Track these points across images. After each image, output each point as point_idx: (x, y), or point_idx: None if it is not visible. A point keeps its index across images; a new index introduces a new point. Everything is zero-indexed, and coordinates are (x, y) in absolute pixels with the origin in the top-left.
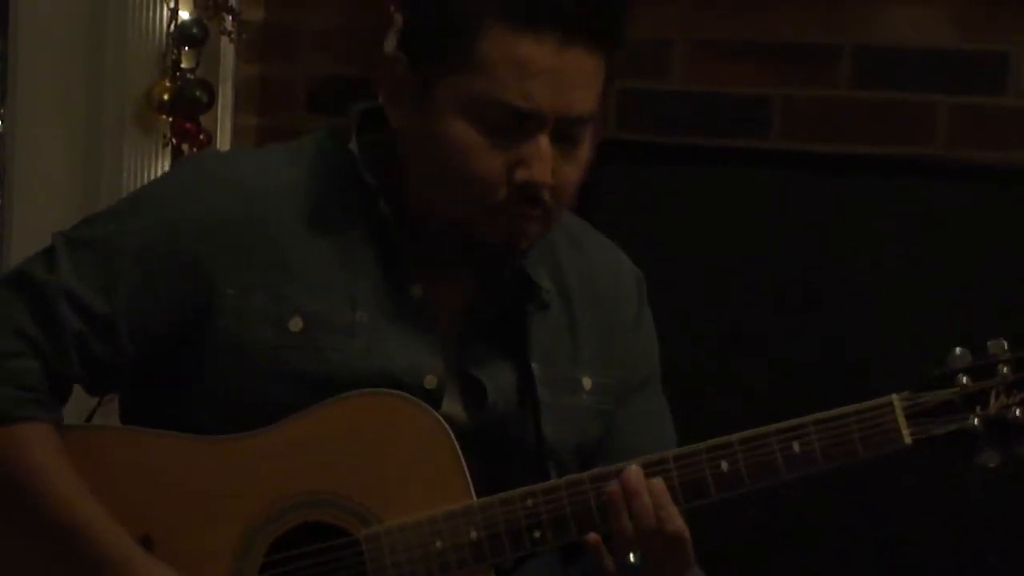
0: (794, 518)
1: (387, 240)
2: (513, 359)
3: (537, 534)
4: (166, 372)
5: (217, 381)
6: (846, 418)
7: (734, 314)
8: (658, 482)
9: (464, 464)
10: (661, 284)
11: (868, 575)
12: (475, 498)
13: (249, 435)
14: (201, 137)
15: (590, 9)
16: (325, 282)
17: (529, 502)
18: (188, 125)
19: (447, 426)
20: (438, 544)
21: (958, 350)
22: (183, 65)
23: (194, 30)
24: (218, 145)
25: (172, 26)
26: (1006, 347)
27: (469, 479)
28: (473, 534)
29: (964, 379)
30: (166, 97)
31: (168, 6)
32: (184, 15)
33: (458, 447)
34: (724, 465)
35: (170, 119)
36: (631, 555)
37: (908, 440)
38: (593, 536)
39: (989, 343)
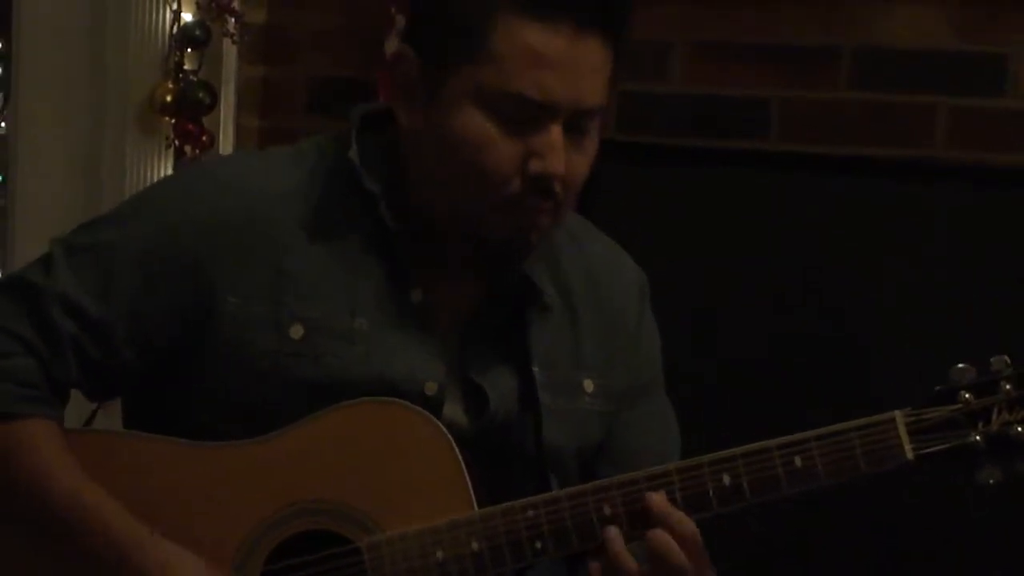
0: (795, 533)
1: (387, 246)
2: (514, 363)
3: (538, 545)
4: (167, 377)
5: (218, 387)
6: (848, 433)
7: (734, 315)
8: (660, 496)
9: (466, 473)
10: (661, 285)
11: None
12: (477, 508)
13: (251, 442)
14: (204, 138)
15: (602, 0)
16: (326, 289)
17: (531, 513)
18: (191, 126)
19: (449, 435)
20: (439, 554)
21: (960, 366)
22: (185, 67)
23: (196, 32)
24: (220, 146)
25: (175, 28)
26: (1008, 363)
27: (471, 488)
28: (474, 544)
29: (967, 395)
30: (169, 99)
31: (171, 8)
32: (186, 17)
33: (460, 456)
34: (726, 479)
35: (173, 120)
36: None
37: (910, 456)
38: (594, 566)
39: (992, 359)
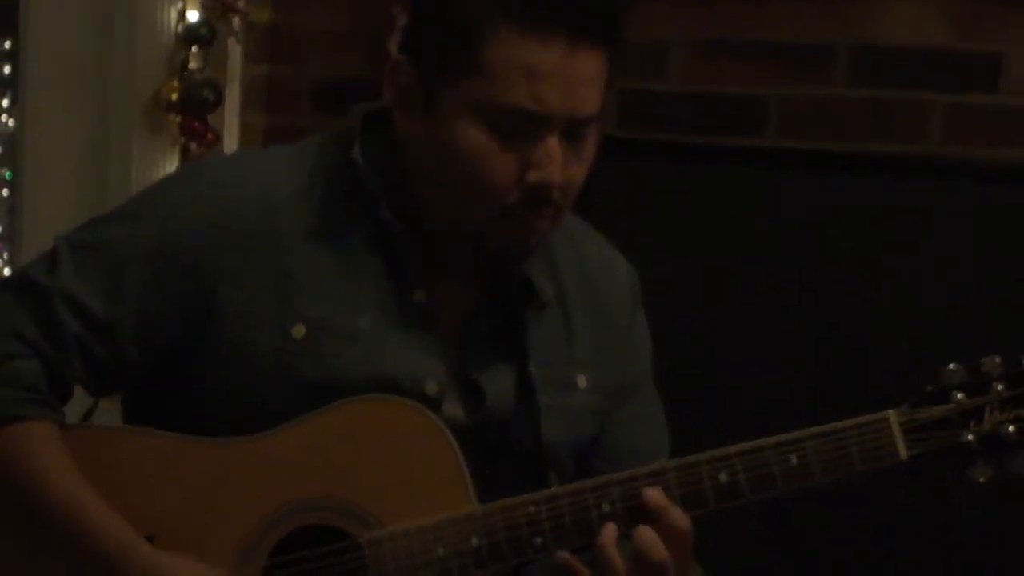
0: (789, 530)
1: (389, 247)
2: (512, 362)
3: (538, 541)
4: (170, 374)
5: (220, 385)
6: (843, 432)
7: (731, 312)
8: (657, 490)
9: (466, 470)
10: (659, 281)
11: None
12: (476, 504)
13: (253, 439)
14: (209, 136)
15: (595, 11)
16: (328, 289)
17: (531, 509)
18: (196, 124)
19: (449, 432)
20: (440, 550)
21: (952, 366)
22: (191, 65)
23: (202, 31)
24: (226, 144)
25: (180, 27)
26: (999, 363)
27: (471, 485)
28: (475, 541)
29: (959, 395)
30: (174, 97)
31: (176, 7)
32: (192, 16)
33: (460, 454)
34: (723, 476)
35: (178, 118)
36: None
37: (904, 455)
38: (562, 555)
39: (983, 360)
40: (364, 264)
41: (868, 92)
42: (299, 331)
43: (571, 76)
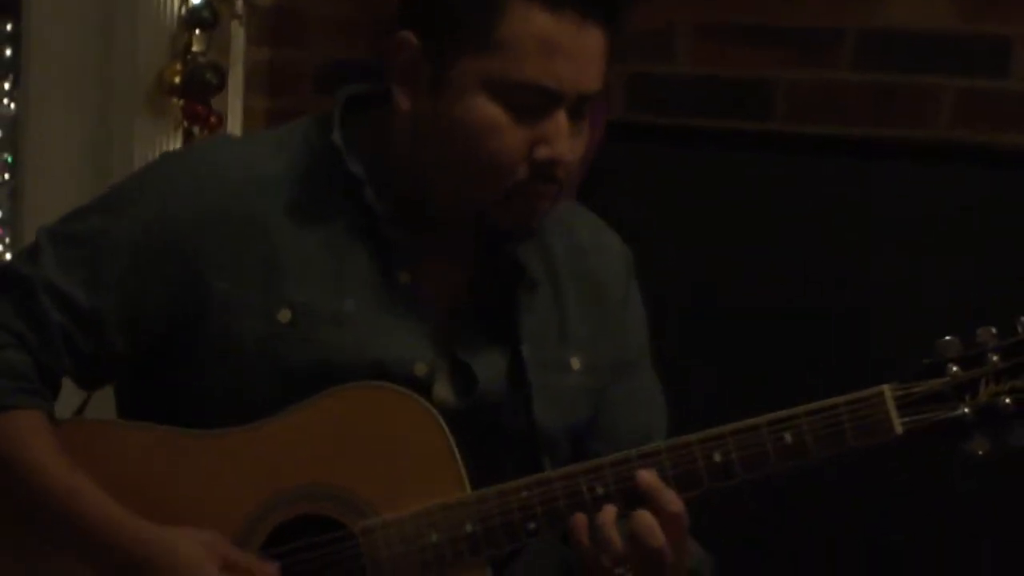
0: (784, 508)
1: (373, 229)
2: (503, 343)
3: (532, 526)
4: (158, 365)
5: (209, 373)
6: (837, 409)
7: (736, 295)
8: (650, 473)
9: (458, 455)
10: (664, 264)
11: (857, 565)
12: (470, 490)
13: (243, 429)
14: (212, 119)
15: None
16: (313, 273)
17: (524, 494)
18: (199, 108)
19: (440, 417)
20: (434, 537)
21: (947, 339)
22: (194, 48)
23: (205, 14)
24: (229, 127)
25: (183, 10)
26: (995, 334)
27: (464, 471)
28: (468, 527)
29: (954, 368)
30: (177, 80)
31: None
32: None
33: (452, 439)
34: (717, 456)
35: (181, 102)
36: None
37: (899, 430)
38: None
39: (978, 331)
40: (348, 247)
41: (875, 76)
42: (285, 316)
43: (582, 52)
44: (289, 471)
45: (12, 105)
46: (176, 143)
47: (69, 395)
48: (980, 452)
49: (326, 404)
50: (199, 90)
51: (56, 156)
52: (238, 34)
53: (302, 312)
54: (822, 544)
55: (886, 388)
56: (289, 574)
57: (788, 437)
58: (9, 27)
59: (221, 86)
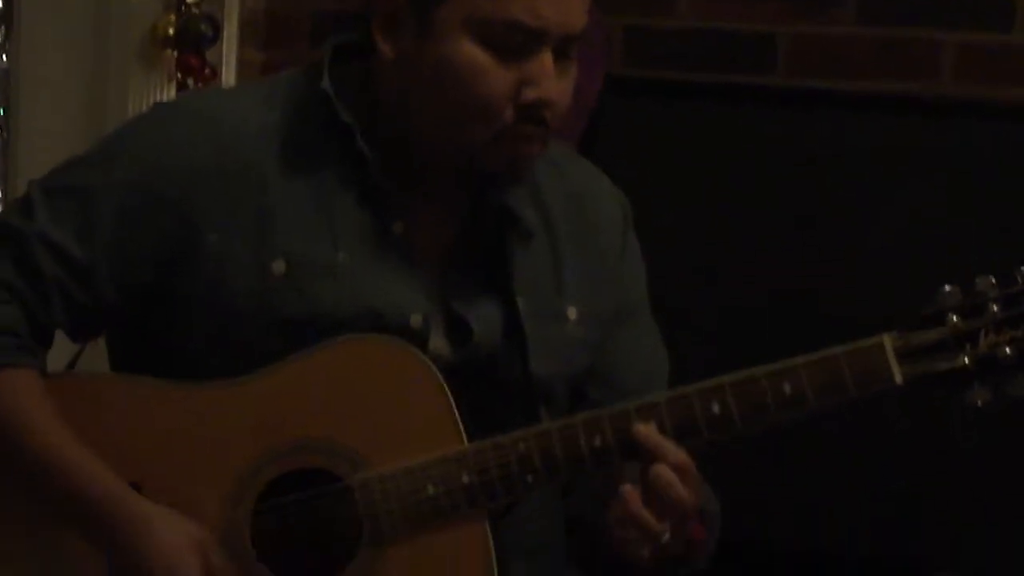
0: (783, 460)
1: (365, 178)
2: (497, 293)
3: (530, 478)
4: (152, 318)
5: (203, 326)
6: (837, 359)
7: (735, 250)
8: (648, 427)
9: (455, 408)
10: (665, 218)
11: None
12: (467, 442)
13: (238, 381)
14: (206, 71)
15: None
16: (306, 224)
17: (521, 446)
18: (193, 60)
19: (436, 369)
20: (430, 489)
21: (947, 288)
22: (188, 0)
23: None
24: (224, 79)
25: None
26: (994, 284)
27: (460, 422)
28: (465, 479)
29: (954, 318)
30: (171, 32)
31: None
32: None
33: (449, 391)
34: (715, 407)
35: (175, 54)
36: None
37: (899, 380)
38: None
39: (977, 280)
40: (341, 199)
41: (878, 30)
42: (279, 267)
43: None
44: (284, 425)
45: (4, 57)
46: (170, 94)
47: (61, 349)
48: (980, 402)
49: (321, 357)
50: (193, 42)
51: (49, 109)
52: None
53: (296, 264)
54: (821, 493)
55: (886, 338)
56: (285, 528)
57: (787, 388)
58: None
59: (215, 38)
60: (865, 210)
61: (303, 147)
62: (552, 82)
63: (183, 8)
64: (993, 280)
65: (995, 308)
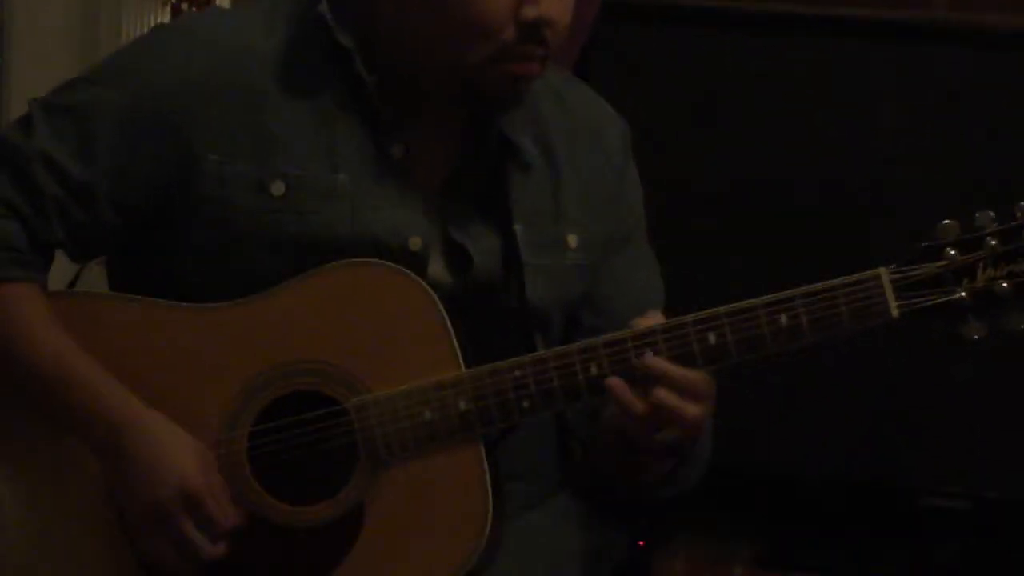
0: (777, 385)
1: (364, 101)
2: (496, 222)
3: (526, 404)
4: (151, 239)
5: (202, 248)
6: (834, 291)
7: (733, 177)
8: (647, 356)
9: (452, 333)
10: (660, 146)
11: (852, 444)
12: (464, 367)
13: (237, 304)
14: None
15: None
16: (305, 146)
17: (518, 373)
18: None
19: (434, 295)
20: (427, 414)
21: (946, 222)
22: None
23: None
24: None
25: None
26: (994, 218)
27: (457, 348)
28: (462, 404)
29: (952, 252)
30: None
31: None
32: None
33: (446, 316)
34: (711, 338)
35: None
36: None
37: (895, 313)
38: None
39: (976, 215)
40: (340, 121)
41: None
42: (278, 188)
43: None
44: (281, 347)
45: None
46: (164, 17)
47: (61, 271)
48: (976, 336)
49: (319, 280)
50: None
51: (43, 33)
52: None
53: (295, 185)
54: (813, 418)
55: (883, 271)
56: (281, 450)
57: (784, 319)
58: None
59: None
60: (860, 136)
61: (302, 70)
62: (552, 0)
63: None
64: (991, 215)
65: (993, 242)
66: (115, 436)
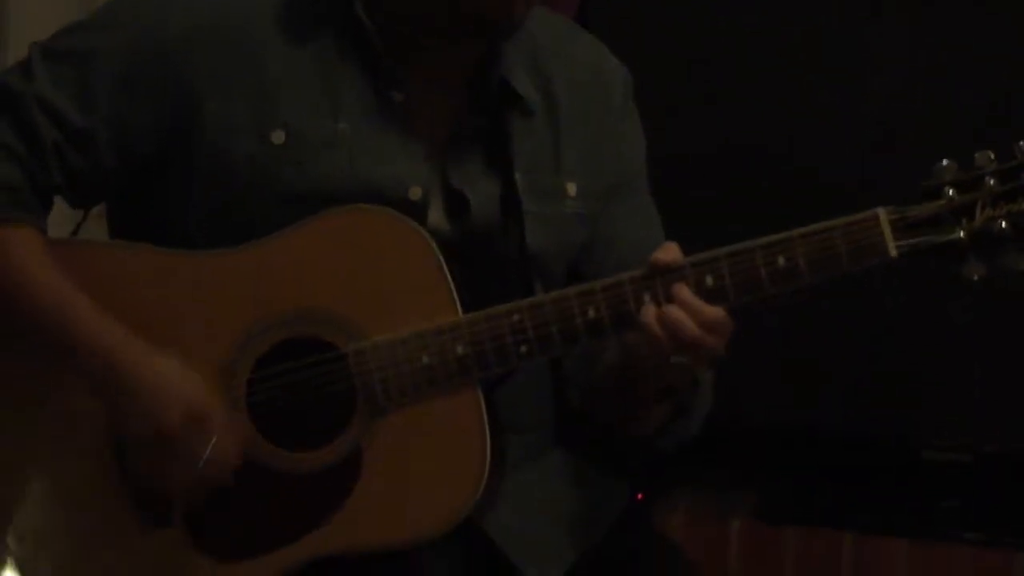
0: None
1: (365, 47)
2: (496, 170)
3: (523, 349)
4: (152, 187)
5: (202, 196)
6: (832, 231)
7: (730, 117)
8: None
9: (450, 279)
10: (662, 94)
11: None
12: (461, 312)
13: (237, 250)
14: None
15: None
16: (306, 94)
17: (515, 317)
18: None
19: (432, 241)
20: (425, 359)
21: (945, 162)
22: None
23: None
24: None
25: None
26: (992, 158)
27: (455, 294)
28: (459, 349)
29: (950, 191)
30: None
31: None
32: None
33: (444, 262)
34: (709, 280)
35: None
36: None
37: (893, 253)
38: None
39: (976, 155)
40: (341, 67)
41: None
42: (278, 137)
43: None
44: (280, 293)
45: None
46: None
47: (61, 228)
48: (975, 276)
49: (318, 226)
50: None
51: (43, 31)
52: None
53: (296, 134)
54: (812, 369)
55: (881, 211)
56: (280, 396)
57: (782, 260)
58: None
59: None
60: (854, 96)
61: (303, 17)
62: None
63: None
64: (991, 155)
65: (992, 182)
66: (116, 372)
